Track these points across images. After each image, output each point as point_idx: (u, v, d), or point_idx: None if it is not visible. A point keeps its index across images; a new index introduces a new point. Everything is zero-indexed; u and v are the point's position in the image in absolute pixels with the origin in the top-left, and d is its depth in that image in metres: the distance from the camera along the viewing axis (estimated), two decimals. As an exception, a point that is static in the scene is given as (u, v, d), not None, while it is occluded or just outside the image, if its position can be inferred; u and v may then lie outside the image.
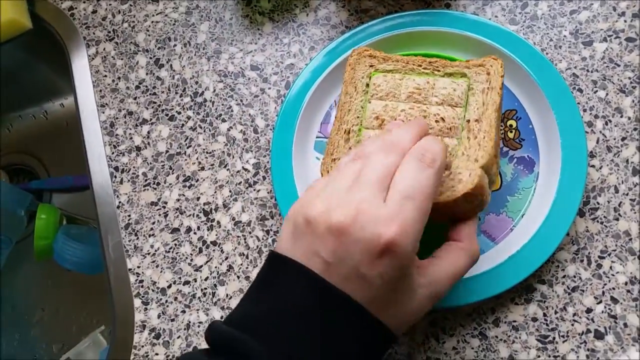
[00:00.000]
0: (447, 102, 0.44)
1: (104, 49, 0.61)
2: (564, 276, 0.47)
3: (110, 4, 0.62)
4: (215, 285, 0.52)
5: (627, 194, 0.48)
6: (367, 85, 0.46)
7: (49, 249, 0.73)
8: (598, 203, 0.48)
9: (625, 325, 0.46)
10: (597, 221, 0.48)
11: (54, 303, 0.78)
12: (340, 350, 0.31)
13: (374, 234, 0.30)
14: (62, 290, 0.78)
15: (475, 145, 0.41)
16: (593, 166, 0.49)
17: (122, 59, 0.60)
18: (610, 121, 0.50)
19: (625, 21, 0.52)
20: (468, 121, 0.43)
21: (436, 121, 0.43)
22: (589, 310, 0.46)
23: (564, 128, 0.48)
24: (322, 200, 0.32)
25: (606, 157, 0.49)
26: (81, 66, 0.61)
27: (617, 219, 0.48)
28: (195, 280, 0.52)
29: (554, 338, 0.46)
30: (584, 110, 0.51)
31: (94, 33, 0.62)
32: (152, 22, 0.61)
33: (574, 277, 0.47)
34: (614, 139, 0.50)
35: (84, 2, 0.63)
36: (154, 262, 0.54)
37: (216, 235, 0.54)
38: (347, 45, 0.53)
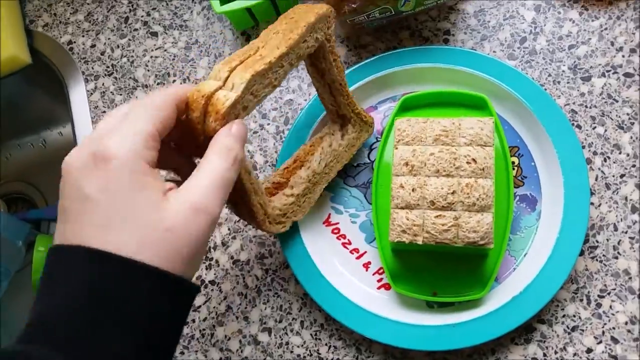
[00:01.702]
0: (475, 142, 0.44)
1: (103, 84, 0.61)
2: (563, 315, 0.47)
3: (109, 38, 0.62)
4: (213, 326, 0.52)
5: (626, 232, 0.48)
6: None
7: (47, 280, 0.73)
8: (597, 241, 0.48)
9: (627, 365, 0.46)
10: (597, 260, 0.48)
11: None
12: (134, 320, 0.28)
13: (84, 153, 0.30)
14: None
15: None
16: (592, 204, 0.49)
17: (121, 94, 0.60)
18: (609, 158, 0.50)
19: (623, 56, 0.52)
20: None
21: (467, 162, 0.44)
22: (589, 350, 0.46)
23: (566, 165, 0.48)
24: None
25: (605, 195, 0.49)
26: (80, 101, 0.61)
27: (617, 258, 0.48)
28: (193, 321, 0.52)
29: (555, 379, 0.46)
30: (583, 147, 0.51)
31: (92, 68, 0.62)
32: (151, 57, 0.61)
33: (574, 316, 0.47)
34: (613, 176, 0.50)
35: (83, 36, 0.63)
36: (153, 300, 0.54)
37: (214, 274, 0.53)
38: (347, 82, 0.53)
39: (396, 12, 0.51)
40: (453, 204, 0.43)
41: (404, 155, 0.45)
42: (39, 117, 0.80)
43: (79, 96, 0.61)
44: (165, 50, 0.61)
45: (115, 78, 0.61)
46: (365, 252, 0.51)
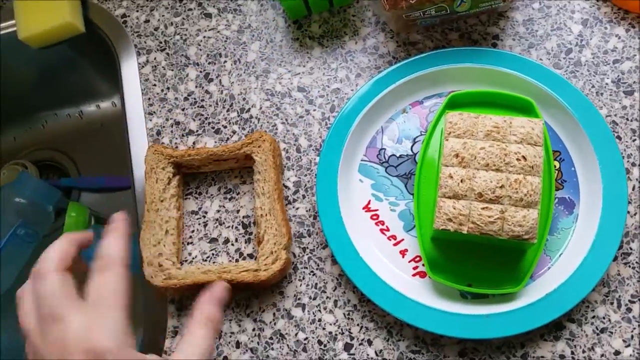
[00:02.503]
0: (526, 140, 0.46)
1: (155, 59, 0.63)
2: (593, 317, 0.49)
3: (163, 15, 0.64)
4: (249, 298, 0.53)
5: (659, 242, 0.50)
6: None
7: (76, 247, 0.74)
8: (631, 248, 0.50)
9: (651, 370, 0.47)
10: (629, 266, 0.49)
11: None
12: None
13: (79, 352, 0.32)
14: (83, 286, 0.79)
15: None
16: (628, 212, 0.51)
17: (172, 70, 0.62)
18: (646, 170, 0.52)
19: (665, 74, 0.54)
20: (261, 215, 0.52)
21: (517, 159, 0.45)
22: (617, 353, 0.47)
23: (606, 173, 0.49)
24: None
25: (641, 205, 0.51)
26: (131, 73, 0.63)
27: (649, 266, 0.49)
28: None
29: (580, 377, 0.47)
30: (622, 157, 0.52)
31: (145, 42, 0.64)
32: (204, 37, 0.62)
33: (604, 318, 0.48)
34: (649, 188, 0.51)
35: (137, 11, 0.65)
36: (190, 270, 0.55)
37: (253, 248, 0.55)
38: (396, 76, 0.55)
39: (451, 11, 0.53)
40: (501, 197, 0.44)
41: (455, 147, 0.46)
42: (79, 89, 0.82)
43: (130, 68, 0.63)
44: (218, 31, 0.62)
45: (168, 54, 0.63)
46: (403, 239, 0.52)
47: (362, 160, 0.55)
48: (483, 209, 0.44)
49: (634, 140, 0.53)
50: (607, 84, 0.54)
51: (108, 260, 0.36)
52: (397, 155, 0.55)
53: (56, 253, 0.36)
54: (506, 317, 0.47)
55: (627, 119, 0.53)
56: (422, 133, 0.55)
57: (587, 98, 0.52)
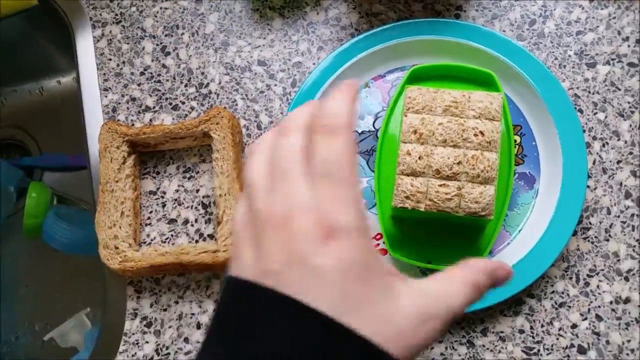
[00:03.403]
0: (484, 115, 0.45)
1: (110, 32, 0.60)
2: (552, 292, 0.49)
3: (118, -13, 0.62)
4: (209, 278, 0.53)
5: (618, 216, 0.49)
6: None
7: (38, 227, 0.73)
8: (590, 223, 0.50)
9: (608, 342, 0.47)
10: (588, 241, 0.49)
11: (39, 281, 0.77)
12: None
13: (309, 221, 0.26)
14: (48, 268, 0.77)
15: None
16: (588, 187, 0.51)
17: (128, 44, 0.60)
18: (607, 144, 0.51)
19: (628, 46, 0.53)
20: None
21: (475, 135, 0.44)
22: (574, 326, 0.48)
23: (567, 148, 0.49)
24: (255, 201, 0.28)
25: (601, 179, 0.51)
26: (86, 47, 0.60)
27: (608, 240, 0.49)
28: (190, 272, 0.53)
29: (538, 350, 0.48)
30: (583, 131, 0.52)
31: (100, 14, 0.61)
32: (161, 8, 0.60)
33: (562, 293, 0.49)
34: (610, 162, 0.51)
35: (92, -18, 0.62)
36: (149, 250, 0.54)
37: (213, 228, 0.54)
38: (358, 48, 0.53)
39: (413, -18, 0.51)
40: (458, 174, 0.44)
41: (413, 122, 0.46)
42: (38, 64, 0.79)
43: (85, 42, 0.60)
44: (175, 2, 0.60)
45: (123, 27, 0.60)
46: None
47: None
48: (440, 185, 0.44)
49: (595, 114, 0.52)
50: (569, 56, 0.54)
51: (336, 122, 0.29)
52: (359, 131, 0.54)
53: (305, 113, 0.30)
54: (465, 294, 0.47)
55: (589, 92, 0.53)
56: (384, 108, 0.54)
57: (550, 71, 0.51)
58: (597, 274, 0.48)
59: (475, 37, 0.52)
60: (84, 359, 0.68)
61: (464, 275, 0.30)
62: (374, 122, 0.54)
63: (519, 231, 0.49)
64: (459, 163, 0.44)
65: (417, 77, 0.52)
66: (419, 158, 0.45)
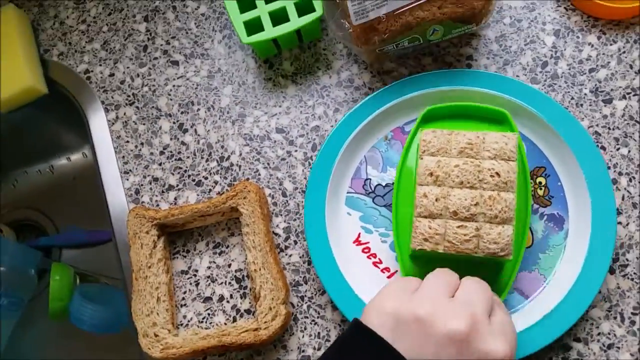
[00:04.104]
0: (499, 156, 0.45)
1: (125, 114, 0.61)
2: (598, 334, 0.48)
3: (128, 67, 0.62)
4: (251, 355, 0.52)
5: (656, 251, 0.50)
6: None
7: (64, 310, 0.72)
8: (627, 259, 0.50)
9: (663, 381, 0.47)
10: (628, 277, 0.49)
11: (68, 361, 0.76)
12: None
13: (491, 348, 0.36)
14: (77, 348, 0.76)
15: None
16: (620, 223, 0.51)
17: (144, 124, 0.60)
18: (634, 178, 0.52)
19: (641, 79, 0.54)
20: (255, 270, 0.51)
21: (491, 176, 0.45)
22: (627, 368, 0.47)
23: (593, 185, 0.49)
24: (424, 302, 0.38)
25: (632, 214, 0.51)
26: (100, 131, 0.60)
27: (648, 276, 0.49)
28: (231, 351, 0.52)
29: (595, 397, 0.47)
30: (608, 168, 0.52)
31: (112, 97, 0.61)
32: (174, 86, 0.60)
33: (609, 334, 0.48)
34: (639, 196, 0.51)
35: (100, 65, 0.63)
36: (188, 332, 0.53)
37: (249, 303, 0.53)
38: (372, 106, 0.54)
39: (424, 41, 0.52)
40: (475, 215, 0.44)
41: (429, 165, 0.46)
42: (47, 145, 0.79)
43: (99, 126, 0.60)
44: (187, 79, 0.60)
45: (137, 107, 0.60)
46: (397, 270, 0.51)
47: (348, 193, 0.54)
48: (458, 227, 0.44)
49: (618, 149, 0.52)
50: (585, 94, 0.54)
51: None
52: (383, 184, 0.54)
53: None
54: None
55: (609, 128, 0.53)
56: None
57: (568, 111, 0.51)
58: (644, 313, 0.48)
59: (489, 83, 0.53)
60: None
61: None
62: (399, 175, 0.54)
63: (554, 273, 0.49)
64: (476, 204, 0.44)
65: (431, 117, 0.52)
66: (436, 200, 0.45)
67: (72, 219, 0.81)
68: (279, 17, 0.55)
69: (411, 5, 0.49)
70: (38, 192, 0.82)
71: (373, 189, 0.54)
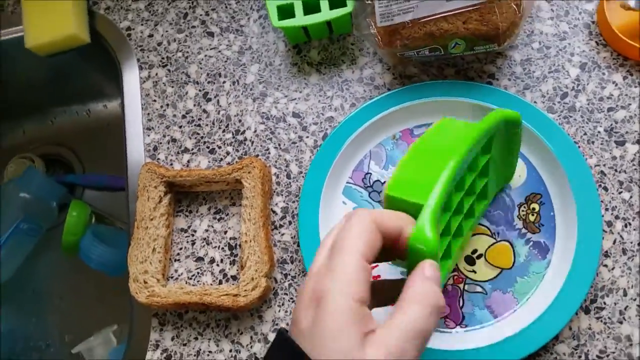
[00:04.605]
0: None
1: (156, 74, 0.64)
2: (561, 367, 0.49)
3: (167, 31, 0.65)
4: (229, 319, 0.55)
5: (635, 299, 0.50)
6: None
7: (76, 244, 0.77)
8: (605, 303, 0.50)
9: None
10: (601, 321, 0.50)
11: (73, 294, 0.81)
12: None
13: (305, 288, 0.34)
14: (82, 283, 0.81)
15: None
16: (606, 266, 0.51)
17: (172, 87, 0.63)
18: (630, 224, 0.52)
19: (659, 126, 0.53)
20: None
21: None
22: (580, 405, 0.48)
23: (583, 224, 0.50)
24: None
25: (620, 259, 0.51)
26: (132, 86, 0.64)
27: (621, 322, 0.49)
28: (211, 310, 0.55)
29: None
30: (606, 209, 0.52)
31: (147, 57, 0.65)
32: (205, 55, 0.63)
33: (571, 370, 0.49)
34: (631, 243, 0.51)
35: (142, 25, 0.66)
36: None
37: (237, 270, 0.56)
38: (388, 103, 0.56)
39: (445, 52, 0.53)
40: None
41: None
42: (87, 89, 0.84)
43: (132, 82, 0.64)
44: (219, 51, 0.63)
45: (169, 70, 0.64)
46: (377, 265, 0.53)
47: (347, 183, 0.56)
48: None
49: (620, 193, 0.52)
50: (599, 132, 0.54)
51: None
52: (382, 181, 0.56)
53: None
54: (466, 354, 0.48)
55: (616, 170, 0.53)
56: None
57: (577, 146, 0.52)
58: (608, 356, 0.49)
59: (506, 103, 0.54)
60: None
61: (408, 296, 0.33)
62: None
63: (527, 300, 0.50)
64: None
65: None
66: None
67: (99, 163, 0.86)
68: (311, 6, 0.56)
69: (437, 16, 0.50)
70: (72, 132, 0.87)
71: (371, 183, 0.56)
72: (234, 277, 0.57)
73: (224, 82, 0.62)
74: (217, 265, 0.57)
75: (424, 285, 0.33)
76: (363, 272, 0.33)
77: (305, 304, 0.33)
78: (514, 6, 0.49)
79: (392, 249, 0.36)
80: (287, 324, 0.54)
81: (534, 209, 0.53)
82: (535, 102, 0.56)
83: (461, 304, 0.51)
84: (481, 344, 0.48)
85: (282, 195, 0.58)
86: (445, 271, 0.42)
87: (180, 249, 0.58)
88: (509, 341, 0.48)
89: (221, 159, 0.60)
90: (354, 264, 0.33)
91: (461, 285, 0.52)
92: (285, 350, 0.33)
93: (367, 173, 0.56)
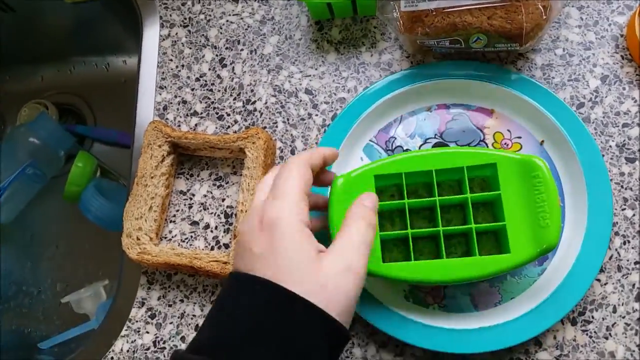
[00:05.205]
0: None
1: (176, 34, 0.64)
2: (540, 375, 0.49)
3: (192, -8, 0.65)
4: (216, 285, 0.55)
5: (623, 317, 0.49)
6: None
7: (77, 195, 0.77)
8: (593, 317, 0.50)
9: None
10: (587, 334, 0.49)
11: (69, 244, 0.82)
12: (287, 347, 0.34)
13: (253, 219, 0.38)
14: (79, 234, 0.82)
15: None
16: (599, 280, 0.50)
17: (190, 49, 0.63)
18: (629, 242, 0.51)
19: (673, 148, 0.52)
20: None
21: None
22: (553, 415, 0.48)
23: (589, 242, 0.49)
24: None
25: (614, 276, 0.50)
26: (151, 43, 0.64)
27: (607, 338, 0.49)
28: (200, 275, 0.55)
29: None
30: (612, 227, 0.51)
31: (170, 15, 0.65)
32: (227, 21, 0.63)
33: (549, 379, 0.49)
34: (627, 261, 0.50)
35: (169, -17, 0.66)
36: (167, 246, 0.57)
37: (230, 239, 0.57)
38: (435, 72, 0.56)
39: (465, 46, 0.52)
40: None
41: None
42: (108, 42, 0.84)
43: (151, 38, 0.64)
44: (241, 18, 0.63)
45: (189, 31, 0.64)
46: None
47: (370, 141, 0.56)
48: None
49: (624, 210, 0.52)
50: (610, 146, 0.53)
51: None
52: (404, 148, 0.55)
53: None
54: (440, 334, 0.49)
55: (622, 187, 0.52)
56: (436, 136, 0.55)
57: (601, 155, 0.52)
58: (588, 370, 0.48)
59: (537, 96, 0.53)
60: (91, 329, 0.72)
61: (351, 218, 0.40)
62: (421, 145, 0.55)
63: (510, 300, 0.50)
64: None
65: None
66: None
67: (111, 118, 0.86)
68: (339, -16, 0.56)
69: (462, 8, 0.49)
70: (89, 84, 0.87)
71: (393, 148, 0.56)
72: (226, 245, 0.57)
73: (242, 49, 0.62)
74: (211, 231, 0.57)
75: (364, 208, 0.40)
76: (305, 199, 0.38)
77: (257, 232, 0.37)
78: (541, 7, 0.49)
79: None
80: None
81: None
82: (550, 108, 0.55)
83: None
84: (457, 327, 0.48)
85: (284, 169, 0.57)
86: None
87: (177, 210, 0.58)
88: (481, 332, 0.48)
89: (228, 127, 0.60)
90: (298, 192, 0.38)
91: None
92: (256, 292, 0.35)
93: (392, 137, 0.56)
